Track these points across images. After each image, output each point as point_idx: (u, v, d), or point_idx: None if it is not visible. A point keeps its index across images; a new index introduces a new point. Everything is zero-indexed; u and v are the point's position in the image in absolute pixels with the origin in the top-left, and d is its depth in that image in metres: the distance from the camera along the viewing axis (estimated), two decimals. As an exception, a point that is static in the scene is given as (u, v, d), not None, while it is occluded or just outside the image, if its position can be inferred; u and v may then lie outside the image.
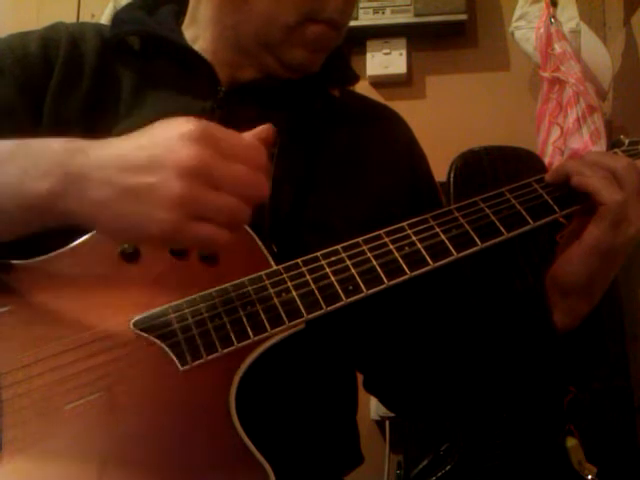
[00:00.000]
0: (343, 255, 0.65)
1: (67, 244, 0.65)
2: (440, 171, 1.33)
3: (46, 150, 0.57)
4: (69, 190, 0.54)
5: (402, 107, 0.94)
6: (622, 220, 0.66)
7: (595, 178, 0.67)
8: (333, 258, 0.65)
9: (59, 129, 0.73)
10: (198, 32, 0.82)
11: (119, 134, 0.73)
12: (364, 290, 0.64)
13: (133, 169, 0.52)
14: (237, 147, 0.54)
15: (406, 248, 0.66)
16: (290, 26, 0.74)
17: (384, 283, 0.64)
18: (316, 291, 0.63)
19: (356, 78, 0.88)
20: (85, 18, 2.18)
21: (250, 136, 0.58)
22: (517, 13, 1.92)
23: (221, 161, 0.52)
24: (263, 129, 0.60)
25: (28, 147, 0.58)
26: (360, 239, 0.67)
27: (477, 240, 0.67)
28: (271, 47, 0.77)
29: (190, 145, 0.52)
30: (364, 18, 2.04)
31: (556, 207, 0.70)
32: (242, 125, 0.77)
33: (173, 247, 0.63)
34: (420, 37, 2.08)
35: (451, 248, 0.67)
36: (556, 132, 1.72)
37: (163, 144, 0.53)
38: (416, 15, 2.02)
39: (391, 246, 0.66)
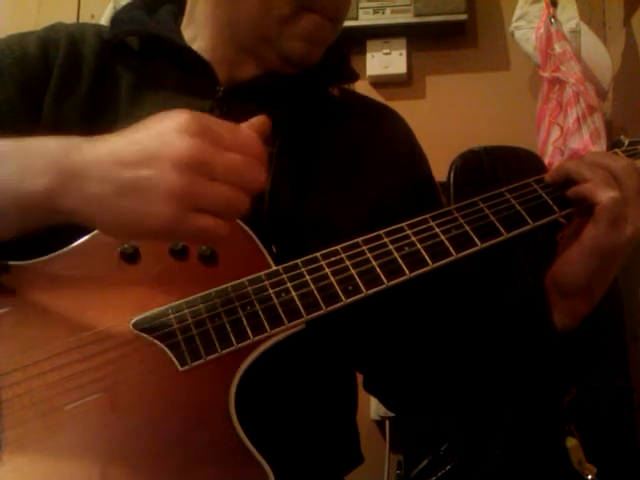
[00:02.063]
0: (343, 255, 0.65)
1: (67, 245, 0.65)
2: (440, 171, 1.33)
3: (42, 149, 0.57)
4: (66, 188, 0.54)
5: (402, 107, 0.94)
6: (620, 219, 0.65)
7: (591, 183, 0.67)
8: (333, 258, 0.65)
9: (58, 130, 0.73)
10: (196, 31, 0.82)
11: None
12: (363, 290, 0.64)
13: (129, 164, 0.52)
14: (232, 137, 0.54)
15: (406, 248, 0.66)
16: (285, 17, 0.75)
17: (384, 283, 0.64)
18: (315, 291, 0.63)
19: (356, 76, 0.88)
20: (85, 18, 2.18)
21: (245, 126, 0.57)
22: (517, 13, 1.91)
23: (216, 151, 0.53)
24: (259, 119, 0.59)
25: (25, 146, 0.58)
26: (360, 239, 0.67)
27: (476, 240, 0.67)
28: (269, 40, 0.77)
29: (184, 137, 0.52)
30: (364, 18, 2.04)
31: (555, 207, 0.70)
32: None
33: (173, 241, 0.63)
34: (420, 37, 2.08)
35: (450, 248, 0.67)
36: (556, 132, 1.72)
37: (158, 138, 0.53)
38: (416, 15, 2.01)
39: (391, 246, 0.66)
